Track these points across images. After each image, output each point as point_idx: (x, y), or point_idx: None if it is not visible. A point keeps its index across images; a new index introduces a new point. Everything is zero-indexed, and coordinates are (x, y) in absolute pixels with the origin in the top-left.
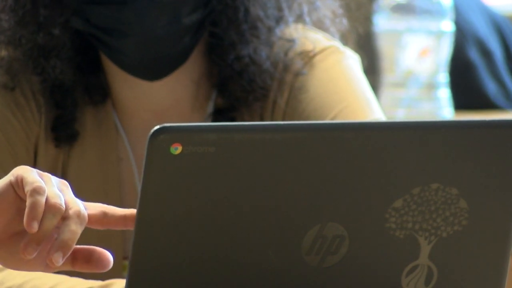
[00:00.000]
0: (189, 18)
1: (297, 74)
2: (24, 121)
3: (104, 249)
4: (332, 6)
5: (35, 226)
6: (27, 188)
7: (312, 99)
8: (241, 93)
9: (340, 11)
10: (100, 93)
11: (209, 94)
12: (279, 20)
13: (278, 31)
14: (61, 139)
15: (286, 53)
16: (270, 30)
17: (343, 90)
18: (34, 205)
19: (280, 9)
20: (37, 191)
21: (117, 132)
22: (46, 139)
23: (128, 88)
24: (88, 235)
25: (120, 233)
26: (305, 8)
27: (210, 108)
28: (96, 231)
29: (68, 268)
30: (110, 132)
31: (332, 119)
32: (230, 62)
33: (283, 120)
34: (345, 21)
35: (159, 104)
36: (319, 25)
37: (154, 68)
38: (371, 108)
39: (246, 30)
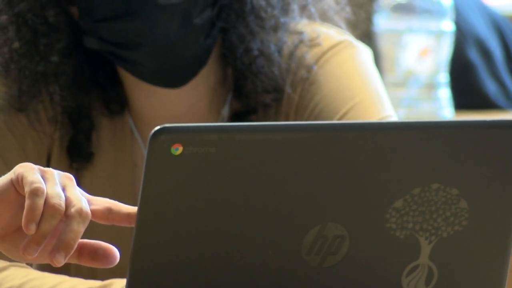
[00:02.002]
0: (200, 18)
1: (310, 69)
2: (38, 125)
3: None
4: None
5: (33, 228)
6: (26, 189)
7: (325, 94)
8: (252, 86)
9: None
10: (119, 104)
11: (225, 98)
12: (285, 10)
13: (286, 24)
14: (75, 160)
15: (296, 47)
16: (276, 20)
17: (356, 85)
18: (31, 208)
19: None
20: (35, 193)
21: (133, 138)
22: (61, 141)
23: (146, 97)
24: (100, 236)
25: (131, 235)
26: None
27: (225, 112)
28: (108, 233)
29: (74, 261)
30: (125, 138)
31: (344, 114)
32: (240, 56)
33: (296, 114)
34: (348, 9)
35: (176, 111)
36: (323, 15)
37: (174, 75)
38: (382, 105)
39: (252, 21)
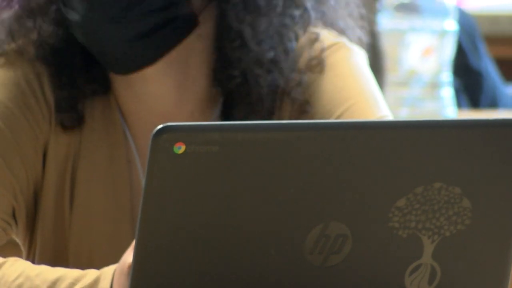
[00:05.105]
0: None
1: (303, 74)
2: (33, 121)
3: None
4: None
5: None
6: None
7: (319, 96)
8: (246, 99)
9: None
10: (102, 84)
11: (217, 96)
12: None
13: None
14: (66, 121)
15: (296, 60)
16: (290, 44)
17: (350, 87)
18: None
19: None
20: None
21: (125, 136)
22: (56, 139)
23: (128, 88)
24: (100, 234)
25: (131, 236)
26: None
27: (218, 109)
28: (108, 231)
29: None
30: (118, 136)
31: (339, 116)
32: (236, 84)
33: (290, 117)
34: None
35: (162, 106)
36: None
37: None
38: (378, 106)
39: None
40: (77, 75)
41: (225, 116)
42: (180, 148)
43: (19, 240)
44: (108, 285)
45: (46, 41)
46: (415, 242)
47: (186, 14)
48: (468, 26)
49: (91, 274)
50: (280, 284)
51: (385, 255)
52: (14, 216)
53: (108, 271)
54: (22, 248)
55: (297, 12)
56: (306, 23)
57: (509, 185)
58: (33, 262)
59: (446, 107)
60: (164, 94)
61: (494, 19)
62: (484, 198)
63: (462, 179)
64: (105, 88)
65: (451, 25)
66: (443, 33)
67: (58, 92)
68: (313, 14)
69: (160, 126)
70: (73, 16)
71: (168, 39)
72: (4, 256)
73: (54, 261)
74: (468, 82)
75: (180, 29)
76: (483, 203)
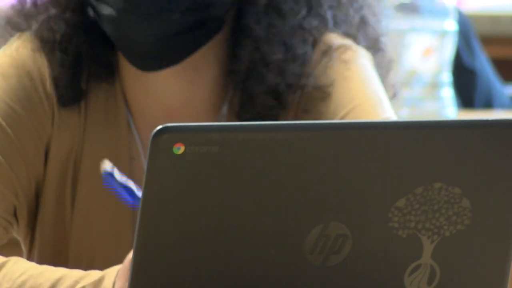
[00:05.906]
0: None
1: (310, 75)
2: (36, 120)
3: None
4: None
5: None
6: None
7: (324, 96)
8: (257, 100)
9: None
10: (108, 69)
11: (225, 95)
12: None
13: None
14: (66, 97)
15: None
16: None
17: (355, 88)
18: None
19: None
20: None
21: (129, 132)
22: (58, 137)
23: (137, 81)
24: (100, 234)
25: (132, 235)
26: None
27: (225, 110)
28: (108, 230)
29: None
30: (123, 130)
31: (343, 117)
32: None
33: (295, 117)
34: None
35: (171, 103)
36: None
37: (142, 47)
38: (382, 107)
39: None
40: (83, 59)
41: (232, 117)
42: (179, 149)
43: (20, 239)
44: (111, 283)
45: (53, 27)
46: (415, 242)
47: (217, 16)
48: (463, 25)
49: (94, 273)
50: (280, 284)
51: (385, 255)
52: (15, 214)
53: (112, 271)
54: (23, 246)
55: (314, 21)
56: (321, 32)
57: (509, 185)
58: (33, 261)
59: (446, 107)
60: (174, 90)
61: (494, 19)
62: (484, 198)
63: (462, 179)
64: (110, 74)
65: (451, 25)
66: (443, 33)
67: (60, 71)
68: (330, 23)
69: (160, 126)
70: (108, 10)
71: (198, 40)
72: (5, 255)
73: (54, 260)
74: (462, 81)
75: (209, 31)
76: (483, 203)
